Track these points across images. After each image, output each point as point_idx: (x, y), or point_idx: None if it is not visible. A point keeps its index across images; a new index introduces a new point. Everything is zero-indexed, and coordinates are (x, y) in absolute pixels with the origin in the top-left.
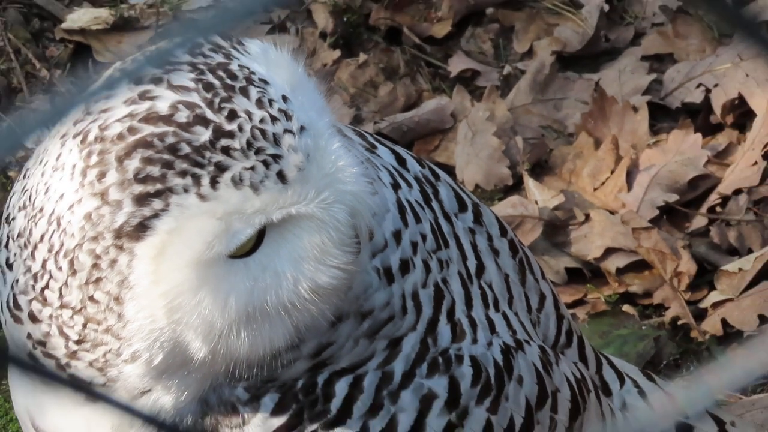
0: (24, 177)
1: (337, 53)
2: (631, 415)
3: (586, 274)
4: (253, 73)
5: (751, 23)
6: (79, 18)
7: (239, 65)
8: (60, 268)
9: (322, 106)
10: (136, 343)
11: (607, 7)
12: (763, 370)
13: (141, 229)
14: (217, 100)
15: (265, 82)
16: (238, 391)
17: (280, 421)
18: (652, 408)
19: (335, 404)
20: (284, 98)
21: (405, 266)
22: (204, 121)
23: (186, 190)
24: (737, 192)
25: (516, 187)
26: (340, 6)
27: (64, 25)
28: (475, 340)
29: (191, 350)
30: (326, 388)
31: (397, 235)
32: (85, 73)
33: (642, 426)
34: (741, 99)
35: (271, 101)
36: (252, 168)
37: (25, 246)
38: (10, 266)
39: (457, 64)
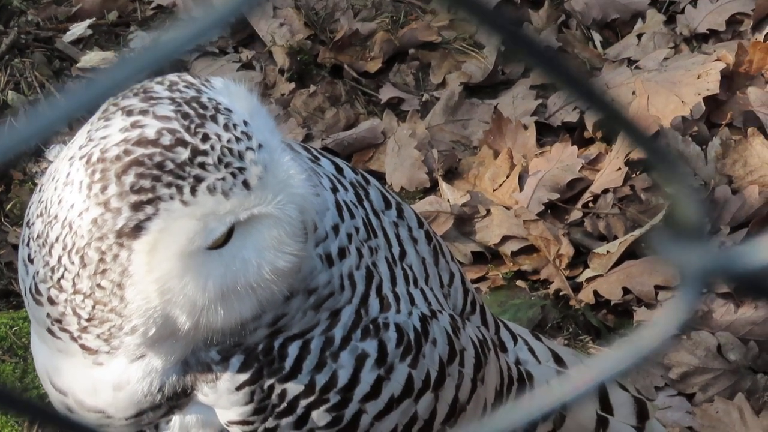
0: (40, 191)
1: (292, 85)
2: (555, 385)
3: (488, 256)
4: (219, 103)
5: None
6: (91, 59)
7: (208, 98)
8: (73, 263)
9: (274, 128)
10: (134, 319)
11: (503, 48)
12: (642, 360)
13: (137, 229)
14: (192, 126)
15: (229, 110)
16: (212, 354)
17: (245, 376)
18: (569, 379)
19: (288, 363)
20: (245, 122)
21: (342, 253)
22: (183, 143)
23: (172, 198)
24: (605, 191)
25: (432, 188)
26: (295, 48)
27: (79, 65)
28: (398, 311)
29: (178, 323)
30: (281, 350)
31: (336, 228)
32: None
33: (564, 396)
34: (609, 118)
35: (235, 125)
36: (223, 179)
37: (44, 245)
38: (31, 260)
39: (386, 93)
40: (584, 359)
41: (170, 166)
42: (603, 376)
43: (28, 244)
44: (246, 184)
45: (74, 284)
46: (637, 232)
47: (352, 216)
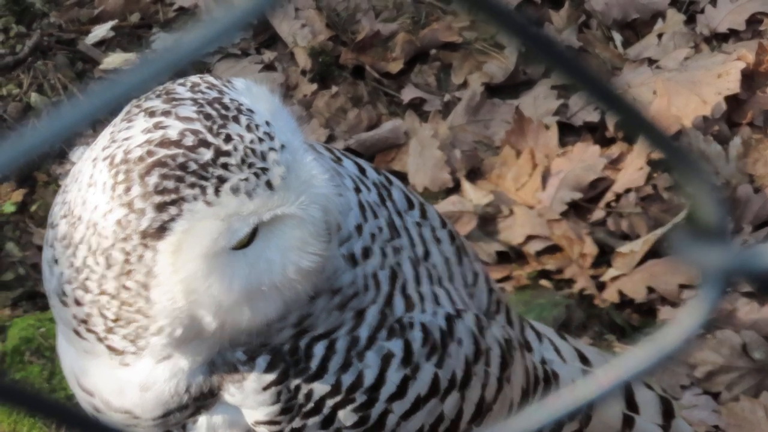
0: (63, 192)
1: (314, 86)
2: (579, 385)
3: (512, 256)
4: (241, 104)
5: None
6: (113, 60)
7: (230, 98)
8: (98, 264)
9: (296, 128)
10: (160, 319)
11: (523, 48)
12: (664, 359)
13: (161, 230)
14: (215, 127)
15: (251, 111)
16: (238, 354)
17: (271, 377)
18: (595, 378)
19: (314, 363)
20: (267, 123)
21: (366, 253)
22: (206, 144)
23: (195, 198)
24: (628, 190)
25: (455, 189)
26: (317, 49)
27: (101, 66)
28: (423, 310)
29: (204, 324)
30: (307, 350)
31: (359, 229)
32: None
33: (588, 395)
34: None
35: (257, 126)
36: (246, 179)
37: (68, 246)
38: (56, 261)
39: (408, 94)
40: (609, 358)
41: (193, 166)
42: (626, 376)
43: (52, 246)
44: (269, 185)
45: (100, 285)
46: (659, 231)
47: (376, 216)
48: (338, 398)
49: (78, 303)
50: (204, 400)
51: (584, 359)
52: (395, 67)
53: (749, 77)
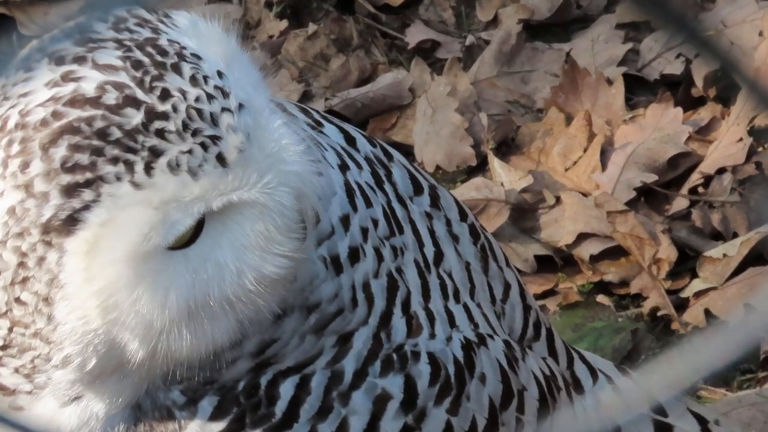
0: None
1: (284, 24)
2: (598, 406)
3: (557, 262)
4: (185, 48)
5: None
6: None
7: (168, 40)
8: None
9: (259, 81)
10: (67, 346)
11: None
12: (739, 353)
13: (71, 222)
14: (147, 79)
15: (198, 58)
16: (173, 395)
17: (219, 426)
18: (619, 399)
19: (280, 407)
20: (219, 74)
21: (354, 254)
22: (135, 103)
23: (118, 179)
24: (721, 171)
25: (480, 167)
26: None
27: None
28: (433, 335)
29: (128, 352)
30: (270, 389)
31: (345, 221)
32: (9, 48)
33: (610, 418)
34: (724, 70)
35: (205, 78)
36: (189, 151)
37: None
38: None
39: (415, 35)
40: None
41: (117, 134)
42: (692, 373)
43: None
44: (221, 160)
45: None
46: (764, 228)
47: (369, 204)
48: None
49: None
50: None
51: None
52: None
53: None
